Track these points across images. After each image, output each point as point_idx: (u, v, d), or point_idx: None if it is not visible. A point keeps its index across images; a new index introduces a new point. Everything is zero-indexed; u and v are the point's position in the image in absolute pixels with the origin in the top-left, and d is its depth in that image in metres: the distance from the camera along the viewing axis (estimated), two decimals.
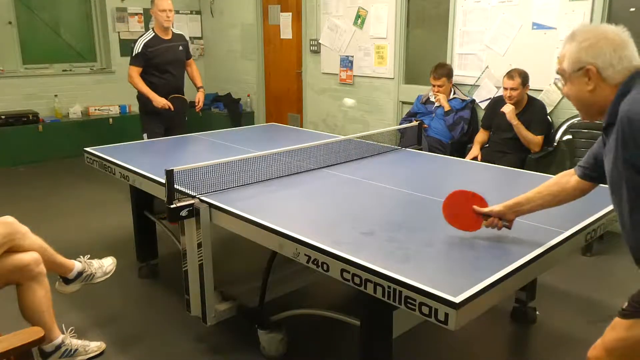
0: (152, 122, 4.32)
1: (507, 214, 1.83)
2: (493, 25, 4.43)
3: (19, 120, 6.07)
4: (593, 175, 1.70)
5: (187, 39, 4.56)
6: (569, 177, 1.78)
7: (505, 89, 3.90)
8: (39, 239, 2.29)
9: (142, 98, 4.33)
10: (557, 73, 1.60)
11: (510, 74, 3.88)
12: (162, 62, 4.27)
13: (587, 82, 1.50)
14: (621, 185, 1.48)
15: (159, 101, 4.21)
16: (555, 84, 1.36)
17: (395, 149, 3.29)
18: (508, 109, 3.88)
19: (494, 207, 1.85)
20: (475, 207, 1.86)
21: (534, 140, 3.89)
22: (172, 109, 4.27)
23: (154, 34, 4.26)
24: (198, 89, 4.61)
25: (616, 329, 1.55)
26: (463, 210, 1.87)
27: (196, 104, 4.59)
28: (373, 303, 1.71)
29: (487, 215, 1.84)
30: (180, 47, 4.40)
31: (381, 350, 1.88)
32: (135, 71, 4.23)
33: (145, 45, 4.19)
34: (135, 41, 4.29)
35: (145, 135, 4.35)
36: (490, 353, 2.59)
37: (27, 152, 6.10)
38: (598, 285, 3.19)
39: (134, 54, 4.22)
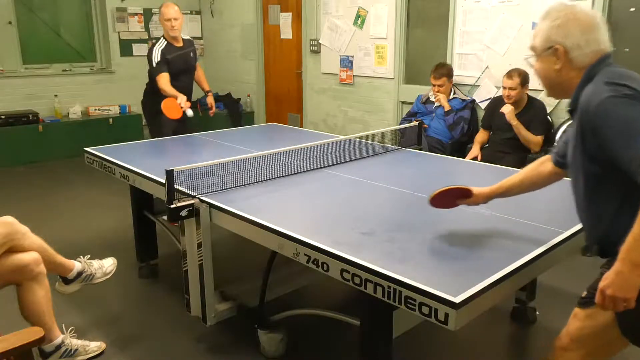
0: (165, 126, 4.18)
1: (484, 201, 1.94)
2: (493, 25, 4.43)
3: (19, 120, 6.07)
4: (565, 162, 1.71)
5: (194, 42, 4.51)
6: (546, 164, 1.81)
7: (504, 88, 3.90)
8: (39, 239, 2.29)
9: (150, 103, 4.22)
10: (530, 49, 1.62)
11: (509, 74, 3.88)
12: (175, 71, 4.17)
13: (555, 61, 1.51)
14: (578, 172, 1.52)
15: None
16: (527, 60, 1.38)
17: (395, 149, 3.29)
18: (507, 110, 3.89)
19: (475, 192, 1.92)
20: (460, 201, 1.96)
21: (533, 140, 3.89)
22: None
23: (166, 42, 4.16)
24: (207, 93, 4.59)
25: (577, 318, 1.57)
26: (448, 198, 1.95)
27: (209, 108, 4.57)
28: (373, 303, 1.71)
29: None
30: (191, 54, 4.35)
31: (381, 350, 1.88)
32: (166, 78, 4.06)
33: (163, 53, 4.10)
34: (149, 51, 4.15)
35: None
36: (490, 353, 2.59)
37: (27, 152, 6.10)
38: None
39: (155, 64, 4.07)
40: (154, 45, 4.20)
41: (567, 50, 1.48)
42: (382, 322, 1.85)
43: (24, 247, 2.19)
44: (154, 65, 4.09)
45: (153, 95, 4.20)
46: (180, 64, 4.23)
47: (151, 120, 4.36)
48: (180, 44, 4.25)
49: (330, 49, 5.87)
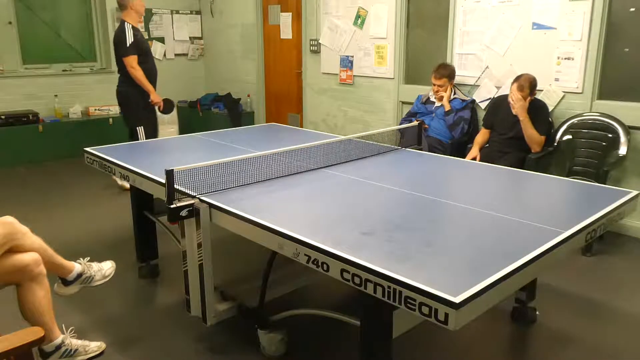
0: (150, 116, 4.41)
1: None
2: (493, 25, 4.43)
3: (19, 120, 6.07)
4: None
5: None
6: None
7: (511, 92, 3.87)
8: (39, 239, 2.29)
9: (137, 91, 4.42)
10: None
11: (520, 84, 3.82)
12: (145, 51, 4.44)
13: None
14: None
15: (156, 97, 4.36)
16: None
17: (395, 149, 3.29)
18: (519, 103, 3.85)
19: None
20: None
21: (537, 139, 3.86)
22: (161, 109, 4.49)
23: (130, 24, 4.42)
24: None
25: None
26: None
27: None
28: (373, 303, 1.71)
29: None
30: None
31: (381, 350, 1.88)
32: (136, 61, 4.31)
33: (134, 33, 4.33)
34: (120, 35, 4.37)
35: (140, 129, 4.43)
36: (490, 353, 2.59)
37: (27, 152, 6.10)
38: (598, 285, 3.19)
39: (128, 44, 4.29)
40: (121, 29, 4.41)
41: None
42: (382, 322, 1.84)
43: (24, 248, 2.19)
44: (127, 45, 4.31)
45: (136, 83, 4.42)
46: (147, 44, 4.56)
47: (140, 111, 4.55)
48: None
49: (330, 49, 5.87)
